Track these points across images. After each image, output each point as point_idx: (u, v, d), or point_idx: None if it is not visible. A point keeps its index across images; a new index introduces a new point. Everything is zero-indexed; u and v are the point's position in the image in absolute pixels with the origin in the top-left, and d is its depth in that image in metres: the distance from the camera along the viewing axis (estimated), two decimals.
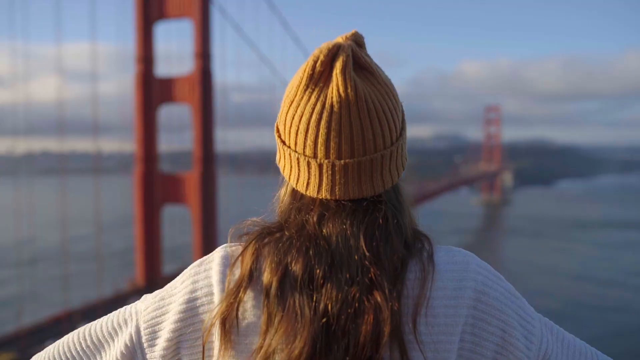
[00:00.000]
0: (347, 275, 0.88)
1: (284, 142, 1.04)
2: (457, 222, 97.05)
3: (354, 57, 0.93)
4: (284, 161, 1.05)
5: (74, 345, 1.08)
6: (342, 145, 0.92)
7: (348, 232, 0.92)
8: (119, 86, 37.12)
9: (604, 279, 53.42)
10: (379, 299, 0.86)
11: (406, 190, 1.04)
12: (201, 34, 29.50)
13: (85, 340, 1.08)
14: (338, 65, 0.90)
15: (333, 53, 0.92)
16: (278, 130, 1.07)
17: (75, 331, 1.11)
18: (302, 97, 0.94)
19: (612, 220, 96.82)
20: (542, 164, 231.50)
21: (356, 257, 0.90)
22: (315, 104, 0.92)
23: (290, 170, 1.02)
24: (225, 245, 1.06)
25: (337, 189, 0.94)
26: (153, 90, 30.34)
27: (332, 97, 0.91)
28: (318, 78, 0.92)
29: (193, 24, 29.76)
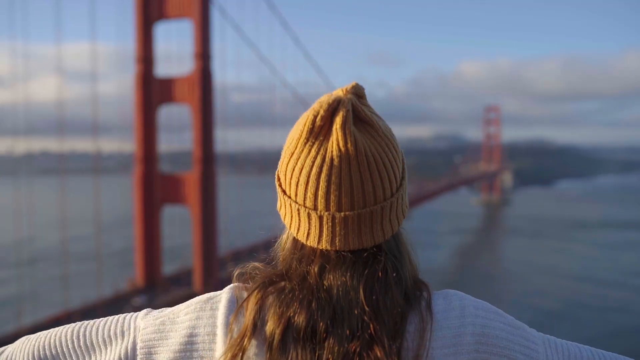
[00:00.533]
0: (348, 331, 0.90)
1: (284, 192, 1.05)
2: (457, 222, 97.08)
3: (354, 111, 0.95)
4: (284, 210, 1.07)
5: (66, 341, 1.08)
6: (342, 198, 0.93)
7: (348, 284, 0.93)
8: (119, 86, 37.14)
9: (604, 279, 53.43)
10: (379, 354, 0.87)
11: (406, 236, 1.05)
12: (201, 34, 29.51)
13: (78, 339, 1.08)
14: (338, 120, 0.91)
15: (333, 108, 0.93)
16: (279, 179, 1.07)
17: (70, 326, 1.11)
18: (302, 150, 0.95)
19: (611, 220, 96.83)
20: (541, 164, 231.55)
21: (356, 311, 0.91)
22: (315, 157, 0.93)
23: (291, 219, 1.04)
24: (232, 286, 1.06)
25: (337, 240, 0.96)
26: (153, 91, 30.35)
27: (332, 151, 0.92)
28: (318, 132, 0.93)
29: (193, 24, 29.77)
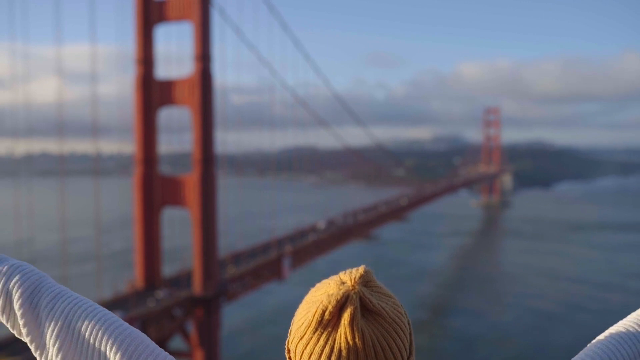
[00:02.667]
0: None
1: None
2: (456, 224, 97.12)
3: (361, 303, 1.00)
4: None
5: (84, 335, 1.21)
6: None
7: None
8: (119, 88, 37.14)
9: (602, 281, 53.43)
10: None
11: None
12: (201, 36, 29.52)
13: (93, 342, 1.20)
14: (346, 316, 0.97)
15: (341, 304, 0.98)
16: (289, 352, 1.10)
17: (94, 322, 1.22)
18: (311, 337, 1.00)
19: (610, 222, 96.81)
20: (541, 166, 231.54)
21: None
22: (324, 347, 0.99)
23: None
24: None
25: None
26: (153, 92, 30.36)
27: (340, 343, 0.97)
28: (326, 324, 0.99)
29: (193, 26, 29.78)
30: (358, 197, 66.91)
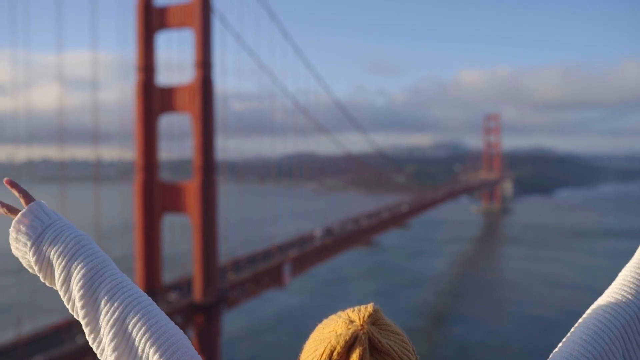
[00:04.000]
0: None
1: None
2: (457, 230, 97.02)
3: (370, 343, 0.99)
4: None
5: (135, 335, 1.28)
6: None
7: None
8: (120, 94, 37.22)
9: (603, 289, 53.26)
10: None
11: None
12: (202, 43, 29.59)
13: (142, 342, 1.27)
14: (355, 357, 0.97)
15: (350, 344, 0.98)
16: None
17: (143, 321, 1.30)
18: None
19: (610, 229, 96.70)
20: (541, 173, 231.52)
21: None
22: None
23: None
24: None
25: None
26: (154, 99, 30.41)
27: None
28: None
29: (194, 33, 29.86)
30: (358, 203, 66.89)
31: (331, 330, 1.02)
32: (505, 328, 44.80)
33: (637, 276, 1.36)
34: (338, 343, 0.97)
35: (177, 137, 34.00)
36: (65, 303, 1.38)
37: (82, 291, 1.33)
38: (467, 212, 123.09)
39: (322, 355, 0.98)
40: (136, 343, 1.26)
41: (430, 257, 72.84)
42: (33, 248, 1.40)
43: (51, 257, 1.38)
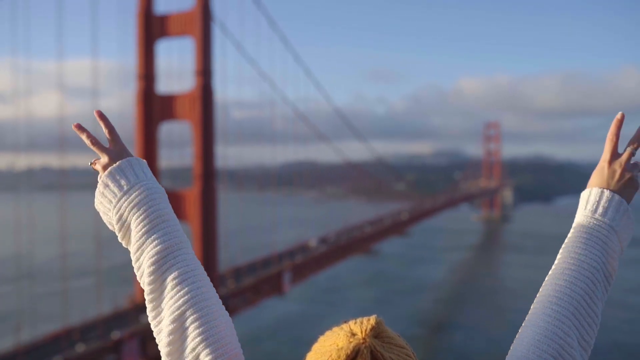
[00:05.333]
0: None
1: None
2: (457, 238, 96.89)
3: (373, 357, 0.95)
4: None
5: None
6: None
7: None
8: (120, 103, 37.30)
9: None
10: None
11: None
12: (202, 51, 29.70)
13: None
14: None
15: (351, 359, 0.94)
16: None
17: (204, 319, 1.27)
18: None
19: None
20: (541, 180, 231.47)
21: None
22: None
23: None
24: None
25: None
26: (154, 107, 30.47)
27: None
28: None
29: (194, 41, 29.96)
30: (358, 211, 66.82)
31: (332, 343, 0.99)
32: (506, 336, 44.64)
33: (574, 260, 1.36)
34: (339, 357, 0.94)
35: (177, 145, 34.03)
36: (135, 270, 1.38)
37: (152, 268, 1.33)
38: (467, 220, 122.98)
39: None
40: (189, 343, 1.24)
41: (430, 265, 72.72)
42: (117, 206, 1.40)
43: (132, 222, 1.39)
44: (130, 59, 31.59)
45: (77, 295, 33.02)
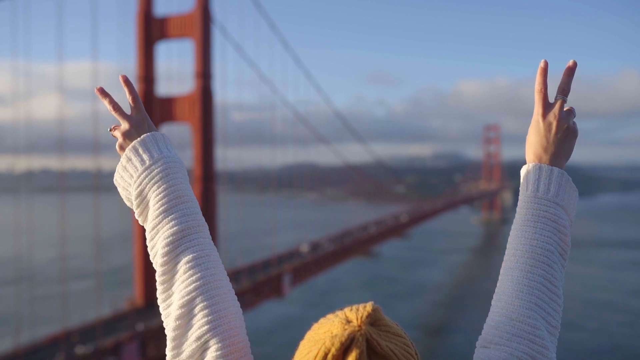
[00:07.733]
0: None
1: None
2: (457, 241, 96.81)
3: (368, 345, 0.91)
4: None
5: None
6: None
7: None
8: (120, 105, 37.20)
9: (602, 299, 53.04)
10: None
11: None
12: (202, 53, 29.71)
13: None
14: None
15: (346, 346, 0.90)
16: None
17: (212, 308, 1.22)
18: None
19: (611, 239, 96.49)
20: None
21: None
22: None
23: None
24: None
25: None
26: (153, 109, 30.47)
27: None
28: None
29: (194, 43, 29.98)
30: (358, 214, 66.83)
31: (326, 330, 0.94)
32: None
33: (526, 247, 1.33)
34: (333, 345, 0.89)
35: (177, 147, 33.79)
36: (149, 249, 1.37)
37: (166, 249, 1.30)
38: (467, 222, 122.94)
39: (315, 358, 0.90)
40: (196, 331, 1.19)
41: (429, 267, 72.66)
42: (138, 181, 1.38)
43: (150, 198, 1.36)
44: (130, 61, 31.64)
45: (77, 297, 32.97)
